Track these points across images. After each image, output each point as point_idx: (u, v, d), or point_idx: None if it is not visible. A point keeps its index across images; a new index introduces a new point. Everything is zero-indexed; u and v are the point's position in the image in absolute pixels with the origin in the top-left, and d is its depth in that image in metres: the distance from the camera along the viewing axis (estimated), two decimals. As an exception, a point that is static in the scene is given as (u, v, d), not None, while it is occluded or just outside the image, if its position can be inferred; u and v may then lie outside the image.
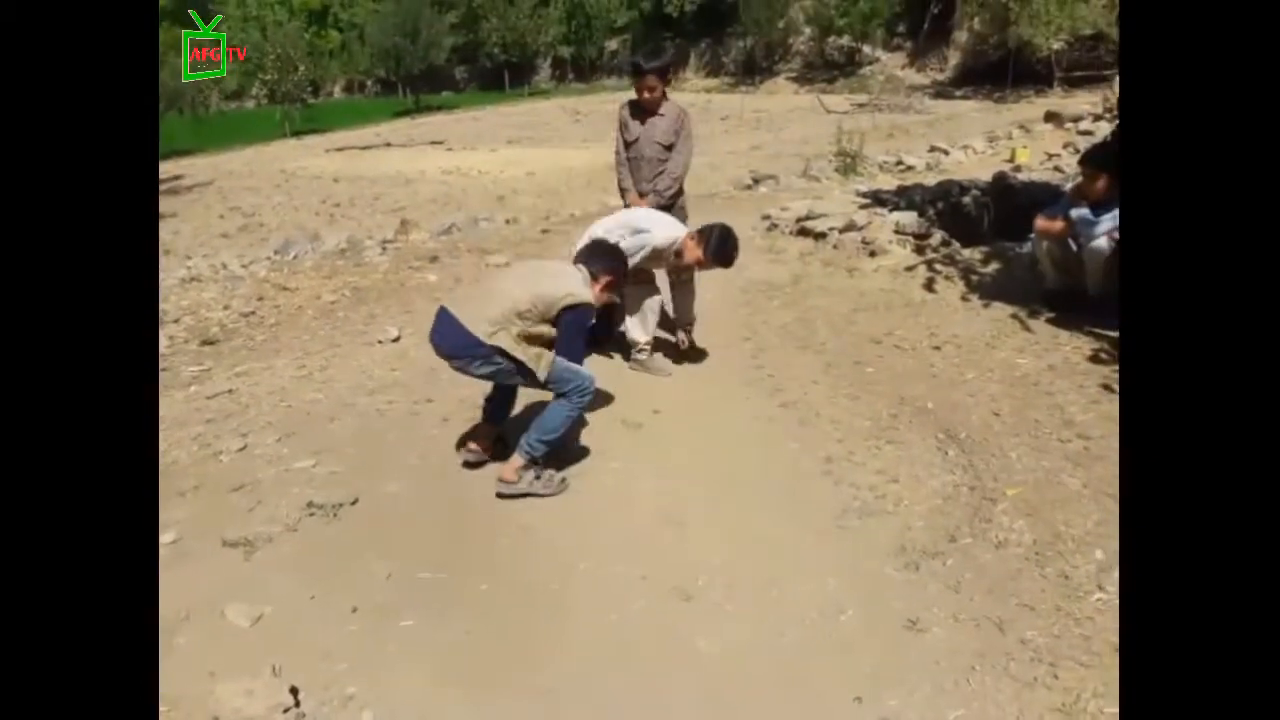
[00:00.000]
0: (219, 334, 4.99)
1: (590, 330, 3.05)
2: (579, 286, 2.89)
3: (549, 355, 2.82)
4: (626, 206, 4.29)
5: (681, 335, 4.16)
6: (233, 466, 3.20)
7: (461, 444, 3.18)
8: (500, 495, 2.88)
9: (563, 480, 2.97)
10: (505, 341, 2.75)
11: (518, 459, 2.88)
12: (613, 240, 3.41)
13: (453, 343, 2.83)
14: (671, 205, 4.26)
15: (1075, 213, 4.02)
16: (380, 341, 4.63)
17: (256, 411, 3.74)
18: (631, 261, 3.42)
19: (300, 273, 6.57)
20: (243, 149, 26.82)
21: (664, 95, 4.17)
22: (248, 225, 13.71)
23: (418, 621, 2.29)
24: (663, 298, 4.06)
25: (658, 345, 4.16)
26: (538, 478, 2.92)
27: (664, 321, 4.20)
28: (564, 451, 3.17)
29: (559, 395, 2.88)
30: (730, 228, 3.73)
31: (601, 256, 3.08)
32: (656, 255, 3.73)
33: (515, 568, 2.52)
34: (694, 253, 3.66)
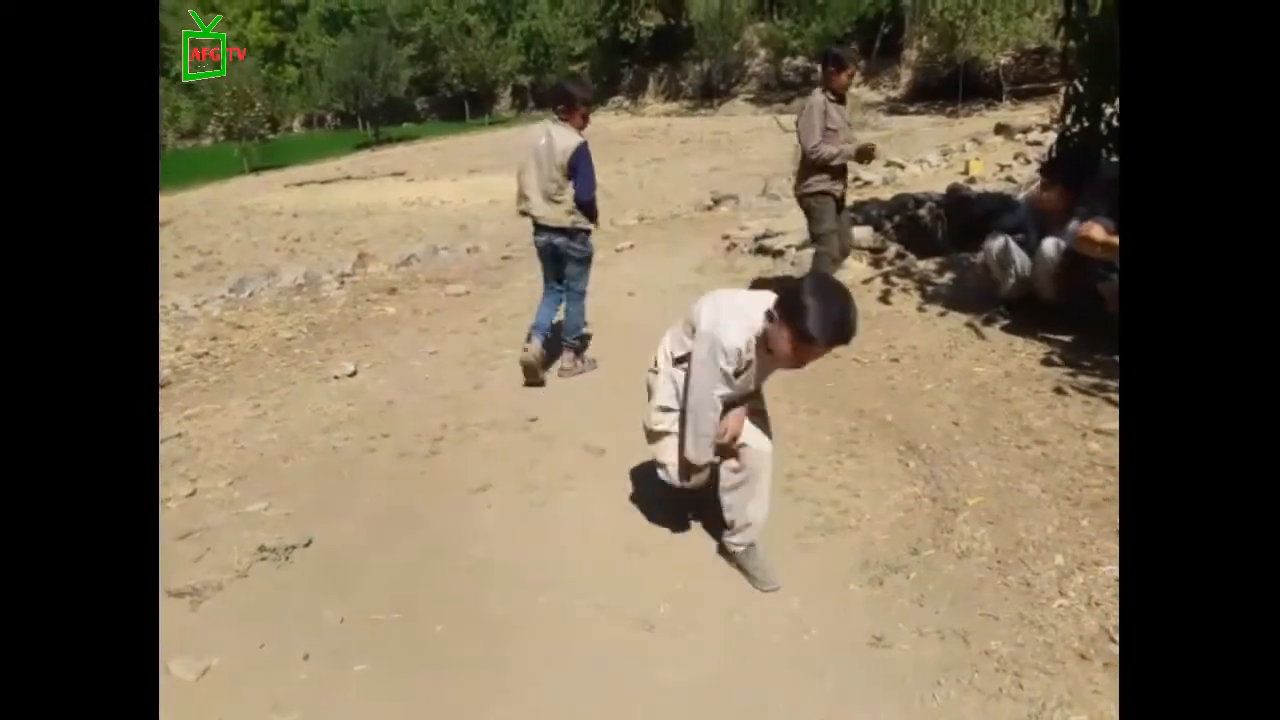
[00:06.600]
0: (170, 376, 4.85)
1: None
2: (568, 138, 3.93)
3: (583, 223, 4.10)
4: (852, 156, 4.57)
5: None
6: (180, 513, 3.10)
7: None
8: (564, 376, 4.28)
9: (593, 361, 4.44)
10: (566, 222, 4.06)
11: (568, 353, 4.34)
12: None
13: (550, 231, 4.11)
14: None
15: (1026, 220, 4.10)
16: (336, 377, 4.54)
17: (207, 455, 3.63)
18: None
19: (256, 310, 6.45)
20: (200, 187, 26.37)
21: None
22: (204, 264, 13.42)
23: (373, 666, 2.21)
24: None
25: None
26: (584, 361, 4.39)
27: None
28: (531, 473, 3.15)
29: (567, 290, 4.22)
30: (823, 279, 2.24)
31: (567, 91, 4.03)
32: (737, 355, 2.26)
33: (473, 604, 2.45)
34: (781, 340, 2.13)
